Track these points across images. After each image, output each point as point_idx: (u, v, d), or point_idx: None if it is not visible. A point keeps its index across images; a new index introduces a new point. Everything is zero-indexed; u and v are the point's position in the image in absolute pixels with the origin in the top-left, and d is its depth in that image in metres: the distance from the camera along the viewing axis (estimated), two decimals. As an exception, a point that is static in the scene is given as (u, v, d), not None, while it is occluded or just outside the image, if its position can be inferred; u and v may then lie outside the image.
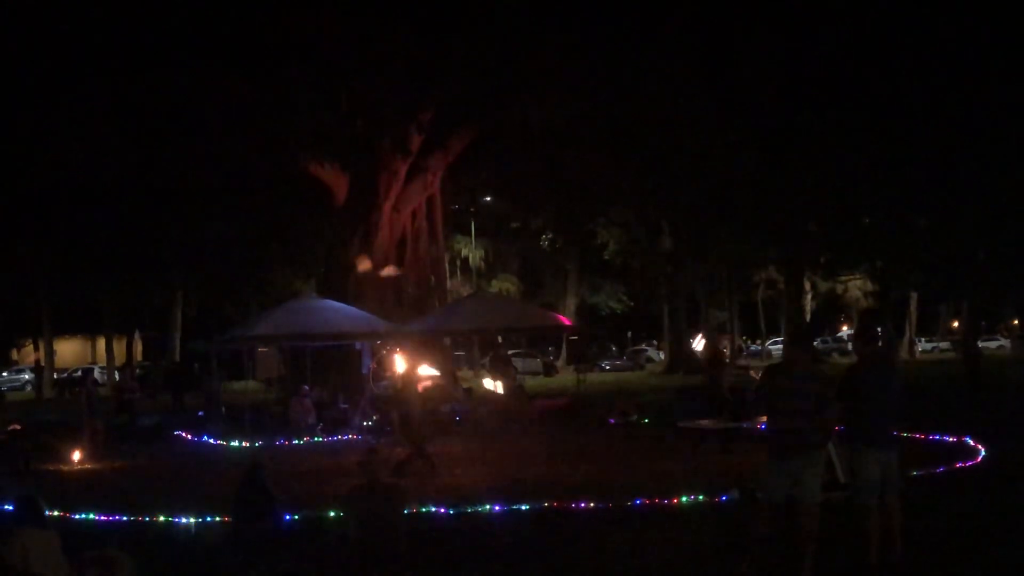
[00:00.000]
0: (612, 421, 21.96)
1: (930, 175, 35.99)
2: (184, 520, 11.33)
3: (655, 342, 70.19)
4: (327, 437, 21.00)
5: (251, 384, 31.36)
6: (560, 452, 16.77)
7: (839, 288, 67.06)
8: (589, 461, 15.64)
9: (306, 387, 23.95)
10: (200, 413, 25.80)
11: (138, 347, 59.59)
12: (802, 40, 31.87)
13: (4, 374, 56.55)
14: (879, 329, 8.90)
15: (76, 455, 17.74)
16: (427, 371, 22.52)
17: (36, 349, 53.69)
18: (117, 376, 35.14)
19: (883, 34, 32.56)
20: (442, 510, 11.37)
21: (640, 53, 28.11)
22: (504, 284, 60.31)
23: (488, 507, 11.45)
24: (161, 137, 27.58)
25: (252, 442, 19.80)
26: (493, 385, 24.59)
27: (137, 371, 43.47)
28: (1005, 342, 67.35)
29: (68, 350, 62.57)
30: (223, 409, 24.59)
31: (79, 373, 37.18)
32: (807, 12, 31.63)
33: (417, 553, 9.76)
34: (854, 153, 34.76)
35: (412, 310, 28.33)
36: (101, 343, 56.56)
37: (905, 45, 32.73)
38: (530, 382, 38.80)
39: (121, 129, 27.42)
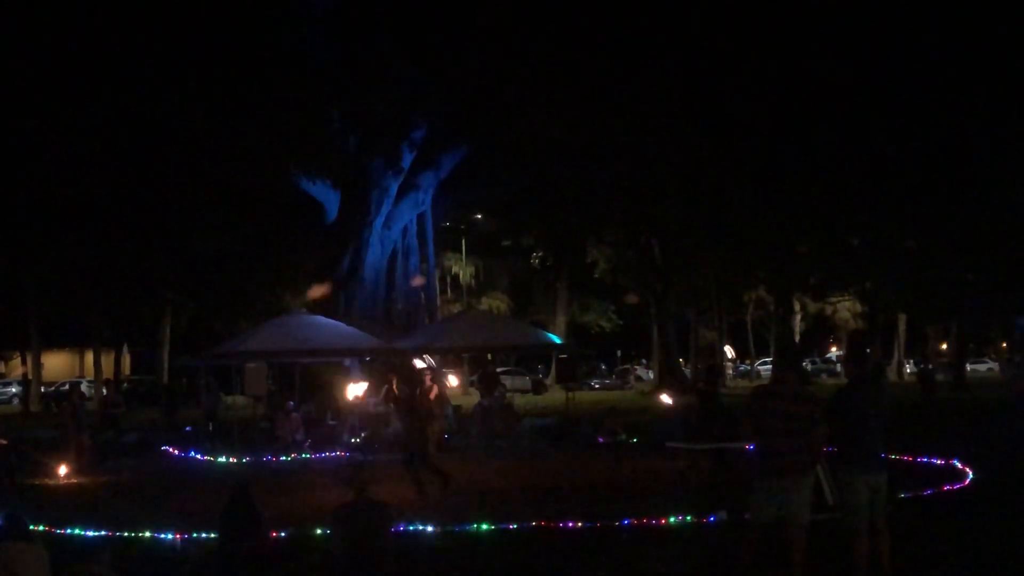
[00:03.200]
0: (600, 440, 21.90)
1: (919, 197, 36.14)
2: (170, 536, 11.26)
3: (644, 361, 70.21)
4: (315, 454, 20.90)
5: (239, 400, 31.23)
6: (548, 471, 16.72)
7: (828, 309, 67.14)
8: (577, 480, 15.59)
9: (291, 403, 23.83)
10: (188, 428, 25.63)
11: (126, 361, 59.29)
12: (792, 64, 32.04)
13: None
14: (868, 351, 8.91)
15: (62, 470, 17.62)
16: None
17: (24, 362, 53.41)
18: (104, 391, 34.95)
19: (870, 57, 32.75)
20: (429, 528, 11.32)
21: (631, 74, 28.24)
22: (494, 302, 60.32)
23: (475, 526, 11.41)
24: (151, 151, 27.56)
25: (239, 458, 19.70)
26: None
27: (124, 385, 43.23)
28: (994, 364, 67.51)
29: (56, 363, 62.21)
30: (210, 425, 24.48)
31: (66, 387, 36.94)
32: (797, 37, 31.81)
33: (403, 572, 9.73)
34: (843, 175, 34.89)
35: (402, 327, 28.31)
36: (89, 357, 56.24)
37: (892, 68, 32.91)
38: (519, 400, 38.75)
39: (111, 144, 27.42)
